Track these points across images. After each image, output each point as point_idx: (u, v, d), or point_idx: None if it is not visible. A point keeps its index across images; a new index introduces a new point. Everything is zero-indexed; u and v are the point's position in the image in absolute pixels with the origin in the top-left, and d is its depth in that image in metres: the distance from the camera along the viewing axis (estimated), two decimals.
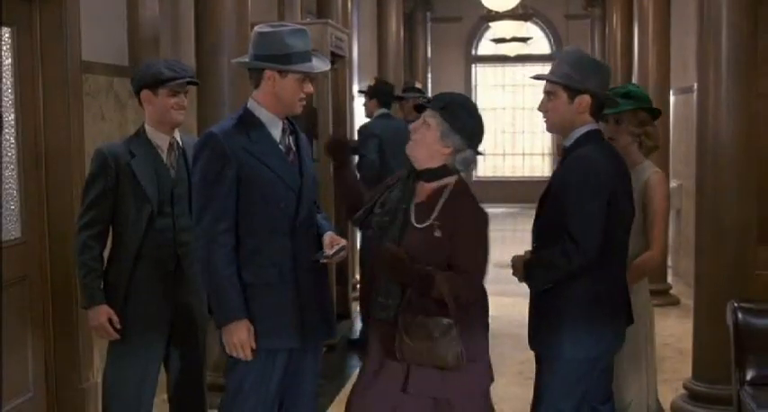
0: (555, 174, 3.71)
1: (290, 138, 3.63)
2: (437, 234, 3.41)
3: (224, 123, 3.59)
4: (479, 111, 3.55)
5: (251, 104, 3.57)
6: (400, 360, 3.45)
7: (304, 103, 3.58)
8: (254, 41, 3.52)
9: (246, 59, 3.56)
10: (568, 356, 3.60)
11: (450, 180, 3.52)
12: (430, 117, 3.47)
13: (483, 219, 3.53)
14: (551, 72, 3.67)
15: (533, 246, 3.75)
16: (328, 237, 3.66)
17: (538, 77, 3.76)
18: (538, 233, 3.73)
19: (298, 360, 3.63)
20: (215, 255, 3.43)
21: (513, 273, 3.74)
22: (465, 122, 3.47)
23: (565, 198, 3.52)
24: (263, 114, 3.55)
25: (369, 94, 7.53)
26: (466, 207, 3.50)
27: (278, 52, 3.45)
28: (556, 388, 3.65)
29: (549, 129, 3.75)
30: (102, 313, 3.85)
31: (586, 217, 3.47)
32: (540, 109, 3.71)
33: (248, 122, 3.53)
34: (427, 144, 3.46)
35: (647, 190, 4.06)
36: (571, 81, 3.59)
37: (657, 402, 4.31)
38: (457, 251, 3.43)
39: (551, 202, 3.63)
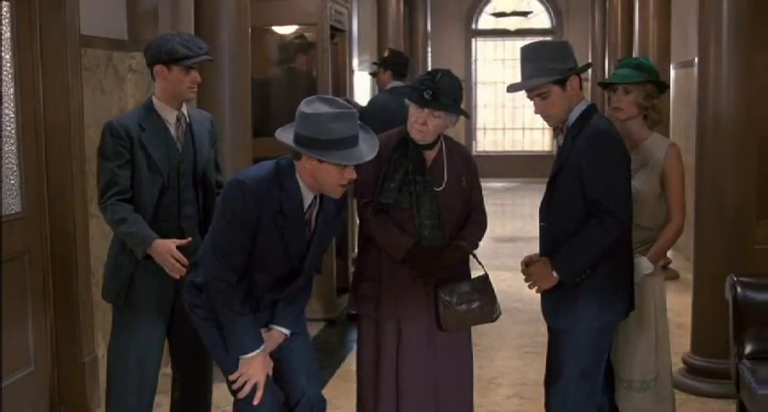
0: (565, 151, 3.66)
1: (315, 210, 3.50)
2: (464, 184, 3.95)
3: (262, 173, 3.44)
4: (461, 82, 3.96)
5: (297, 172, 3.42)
6: (445, 329, 3.87)
7: (343, 189, 3.40)
8: (296, 120, 3.33)
9: (291, 139, 3.35)
10: (585, 326, 3.65)
11: (440, 141, 3.98)
12: (439, 111, 3.81)
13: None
14: (528, 77, 3.67)
15: (541, 226, 3.75)
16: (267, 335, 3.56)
17: (516, 89, 3.72)
18: (549, 210, 3.71)
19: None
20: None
21: (531, 279, 3.70)
22: (461, 101, 3.90)
23: (590, 173, 3.53)
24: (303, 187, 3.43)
25: (383, 65, 7.11)
26: (460, 148, 4.09)
27: (319, 137, 3.26)
28: (573, 360, 3.69)
29: (555, 123, 3.73)
30: (167, 242, 3.78)
31: (619, 187, 3.56)
32: (537, 112, 3.71)
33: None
34: (438, 129, 3.88)
35: (669, 160, 4.05)
36: (554, 73, 3.61)
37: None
38: (474, 190, 4.00)
39: (565, 179, 3.62)
